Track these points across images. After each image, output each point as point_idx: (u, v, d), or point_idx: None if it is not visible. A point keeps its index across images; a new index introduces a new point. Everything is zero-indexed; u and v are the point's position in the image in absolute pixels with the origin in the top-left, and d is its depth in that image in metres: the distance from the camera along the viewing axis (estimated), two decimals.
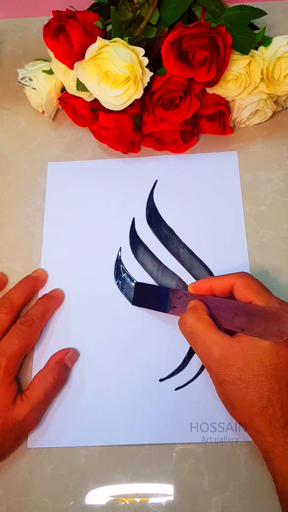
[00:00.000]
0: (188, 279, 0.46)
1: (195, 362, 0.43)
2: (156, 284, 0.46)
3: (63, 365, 0.43)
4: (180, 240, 0.48)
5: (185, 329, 0.38)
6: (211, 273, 0.47)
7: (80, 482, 0.41)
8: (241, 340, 0.36)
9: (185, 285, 0.46)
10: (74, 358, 0.44)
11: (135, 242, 0.49)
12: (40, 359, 0.44)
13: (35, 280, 0.47)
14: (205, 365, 0.37)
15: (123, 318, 0.46)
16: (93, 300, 0.46)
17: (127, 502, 0.40)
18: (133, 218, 0.50)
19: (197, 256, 0.47)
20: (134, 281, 0.46)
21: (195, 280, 0.46)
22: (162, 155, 0.53)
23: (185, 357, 0.44)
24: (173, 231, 0.49)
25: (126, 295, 0.46)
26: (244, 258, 0.47)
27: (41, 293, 0.47)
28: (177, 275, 0.47)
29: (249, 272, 0.46)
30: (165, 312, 0.42)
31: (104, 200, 0.51)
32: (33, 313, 0.44)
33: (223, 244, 0.48)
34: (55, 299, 0.46)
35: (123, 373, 0.44)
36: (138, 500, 0.40)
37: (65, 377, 0.43)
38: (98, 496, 0.40)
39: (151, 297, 0.44)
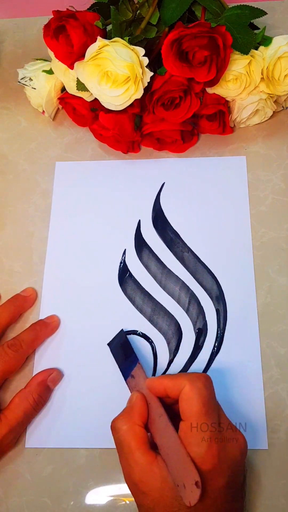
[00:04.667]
0: (192, 283, 0.46)
1: (196, 367, 0.43)
2: (160, 287, 0.46)
3: (45, 386, 0.42)
4: (185, 244, 0.48)
5: (115, 437, 0.36)
6: (215, 278, 0.46)
7: (80, 482, 0.41)
8: (163, 467, 0.33)
9: (188, 290, 0.46)
10: (57, 379, 0.43)
11: (140, 244, 0.49)
12: (40, 359, 0.44)
13: (23, 300, 0.46)
14: (125, 481, 0.35)
15: (128, 318, 0.45)
16: (97, 300, 0.46)
17: (127, 502, 0.40)
18: (139, 220, 0.50)
19: (202, 261, 0.47)
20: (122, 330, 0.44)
21: (199, 286, 0.46)
22: (170, 158, 0.53)
23: (186, 362, 0.44)
24: (178, 234, 0.49)
25: (129, 297, 0.46)
26: (249, 265, 0.47)
27: (44, 300, 0.47)
28: (181, 279, 0.47)
29: (252, 274, 0.46)
30: (125, 378, 0.41)
31: (111, 201, 0.51)
32: (23, 338, 0.43)
33: (229, 250, 0.48)
34: (49, 326, 0.45)
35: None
36: None
37: (46, 399, 0.42)
38: (98, 496, 0.40)
39: (122, 352, 0.43)
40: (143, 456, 0.34)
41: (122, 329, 0.44)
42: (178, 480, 0.32)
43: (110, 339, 0.45)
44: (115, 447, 0.41)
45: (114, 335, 0.44)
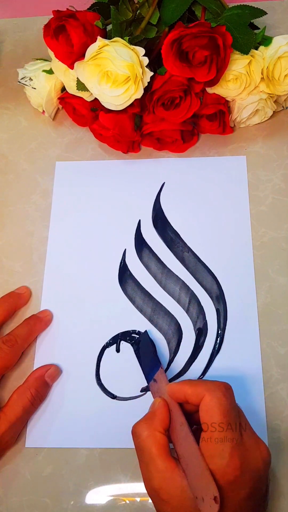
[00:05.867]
0: (192, 283, 0.46)
1: (196, 367, 0.43)
2: (160, 287, 0.46)
3: (42, 382, 0.42)
4: (185, 244, 0.48)
5: (135, 442, 0.35)
6: (215, 278, 0.46)
7: (80, 481, 0.41)
8: (184, 475, 0.33)
9: (188, 289, 0.46)
10: (55, 375, 0.43)
11: (140, 244, 0.49)
12: (40, 359, 0.44)
13: (17, 297, 0.46)
14: (145, 488, 0.35)
15: (128, 317, 0.45)
16: (98, 300, 0.46)
17: (128, 502, 0.40)
18: (139, 220, 0.50)
19: (202, 261, 0.47)
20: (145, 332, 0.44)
21: (199, 286, 0.46)
22: (170, 158, 0.53)
23: (187, 361, 0.44)
24: (178, 234, 0.49)
25: (129, 297, 0.46)
26: (249, 265, 0.47)
27: (44, 300, 0.47)
28: (181, 279, 0.47)
29: (253, 274, 0.46)
30: (147, 381, 0.41)
31: (111, 201, 0.51)
32: (17, 334, 0.43)
33: (229, 249, 0.48)
34: (42, 321, 0.45)
35: (125, 375, 0.43)
36: (138, 499, 0.40)
37: (44, 394, 0.42)
38: (98, 495, 0.40)
39: (145, 354, 0.42)
40: (164, 463, 0.33)
41: (146, 330, 0.44)
42: (197, 492, 0.32)
43: (109, 339, 0.45)
44: (115, 446, 0.41)
45: (115, 335, 0.45)
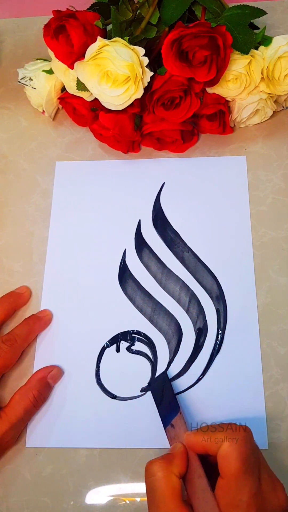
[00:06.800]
0: (192, 283, 0.46)
1: (197, 367, 0.43)
2: (160, 287, 0.46)
3: (45, 383, 0.42)
4: (185, 244, 0.48)
5: (147, 481, 0.34)
6: (215, 278, 0.46)
7: (80, 481, 0.41)
8: None
9: (188, 289, 0.46)
10: (57, 376, 0.43)
11: (140, 244, 0.49)
12: (40, 358, 0.44)
13: (18, 296, 0.46)
14: None
15: (128, 317, 0.45)
16: (98, 300, 0.46)
17: (127, 502, 0.40)
18: (139, 220, 0.50)
19: (202, 261, 0.47)
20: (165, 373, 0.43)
21: (199, 286, 0.46)
22: (170, 158, 0.53)
23: (186, 361, 0.44)
24: (178, 234, 0.49)
25: (129, 297, 0.46)
26: (249, 265, 0.47)
27: (44, 300, 0.47)
28: (181, 279, 0.47)
29: (253, 274, 0.46)
30: (164, 426, 0.39)
31: (111, 201, 0.51)
32: (17, 333, 0.43)
33: (229, 249, 0.47)
34: (42, 320, 0.45)
35: (125, 375, 0.43)
36: (138, 499, 0.40)
37: (46, 396, 0.42)
38: (98, 495, 0.40)
39: (163, 397, 0.41)
40: (177, 508, 0.32)
41: (166, 372, 0.43)
42: None
43: (110, 338, 0.45)
44: (115, 446, 0.41)
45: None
